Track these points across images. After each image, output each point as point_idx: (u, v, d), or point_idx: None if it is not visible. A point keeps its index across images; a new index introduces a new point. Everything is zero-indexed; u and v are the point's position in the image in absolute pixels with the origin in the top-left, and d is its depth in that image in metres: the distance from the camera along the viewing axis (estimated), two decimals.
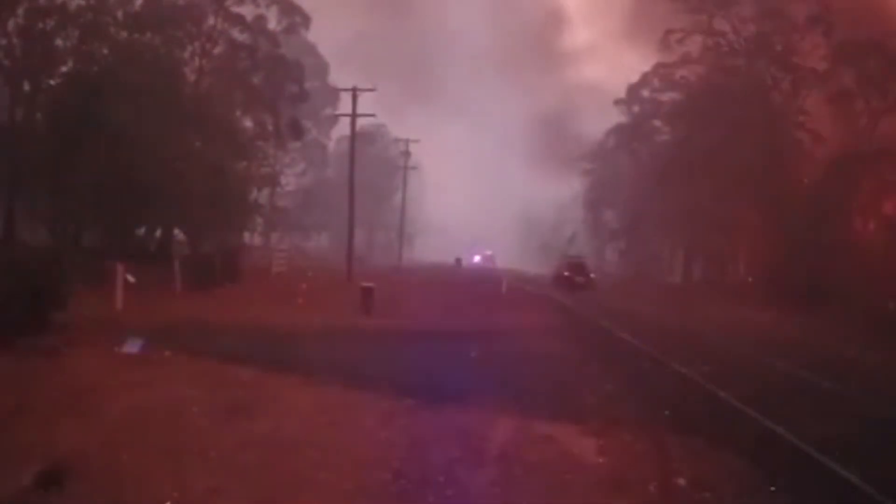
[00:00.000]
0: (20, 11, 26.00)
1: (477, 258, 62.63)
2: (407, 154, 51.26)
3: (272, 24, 33.74)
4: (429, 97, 53.71)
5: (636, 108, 48.29)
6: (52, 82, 27.65)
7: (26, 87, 27.25)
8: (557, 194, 60.29)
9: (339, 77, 35.27)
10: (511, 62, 56.19)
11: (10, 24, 26.17)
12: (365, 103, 34.79)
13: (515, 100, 57.63)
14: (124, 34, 28.68)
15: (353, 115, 34.84)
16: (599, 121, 51.61)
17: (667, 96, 44.69)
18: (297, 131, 34.96)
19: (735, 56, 39.69)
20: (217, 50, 31.77)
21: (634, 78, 47.35)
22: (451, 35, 55.15)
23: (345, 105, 35.10)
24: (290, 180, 49.85)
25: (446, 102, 55.82)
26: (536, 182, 60.28)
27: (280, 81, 33.32)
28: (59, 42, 27.24)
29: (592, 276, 39.49)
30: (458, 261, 54.70)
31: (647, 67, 45.27)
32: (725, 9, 39.16)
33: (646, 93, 47.19)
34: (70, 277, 15.72)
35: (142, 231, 31.22)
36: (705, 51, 40.86)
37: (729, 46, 39.88)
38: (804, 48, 36.72)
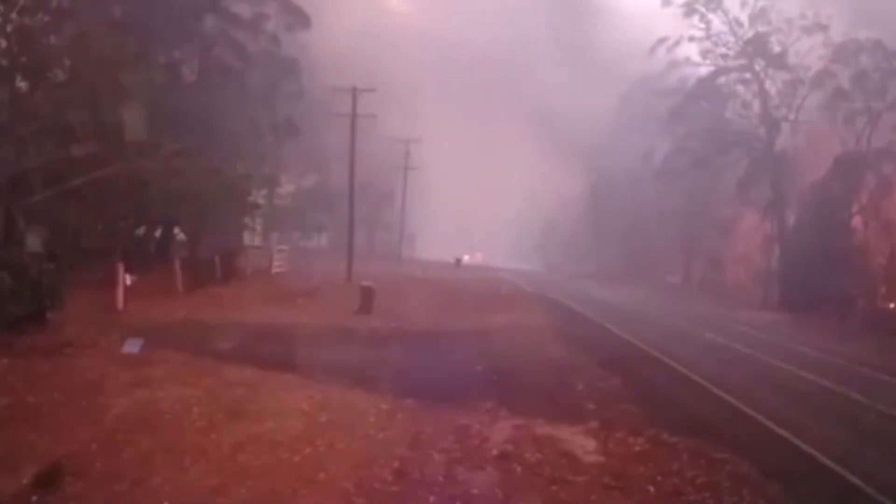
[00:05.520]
0: (17, 6, 25.82)
1: (466, 257, 63.92)
2: (407, 154, 51.23)
3: (272, 24, 33.59)
4: (429, 97, 53.52)
5: (636, 108, 48.14)
6: (49, 81, 27.52)
7: (24, 85, 27.11)
8: (557, 194, 60.28)
9: (339, 77, 34.94)
10: (512, 58, 55.76)
11: (7, 23, 26.04)
12: (366, 104, 34.73)
13: (515, 97, 57.40)
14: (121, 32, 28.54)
15: (354, 116, 34.80)
16: (600, 119, 51.42)
17: (666, 97, 44.46)
18: (294, 130, 34.88)
19: (734, 58, 39.67)
20: (215, 49, 31.65)
21: (634, 76, 47.24)
22: (451, 35, 54.86)
23: (346, 106, 35.01)
24: (290, 180, 49.72)
25: (446, 102, 55.46)
26: (536, 182, 60.26)
27: (278, 80, 33.25)
28: (53, 40, 27.08)
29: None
30: (458, 261, 54.89)
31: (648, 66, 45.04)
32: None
33: (644, 94, 47.05)
34: (70, 278, 15.71)
35: (142, 231, 31.15)
36: (704, 53, 40.88)
37: (728, 48, 39.87)
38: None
